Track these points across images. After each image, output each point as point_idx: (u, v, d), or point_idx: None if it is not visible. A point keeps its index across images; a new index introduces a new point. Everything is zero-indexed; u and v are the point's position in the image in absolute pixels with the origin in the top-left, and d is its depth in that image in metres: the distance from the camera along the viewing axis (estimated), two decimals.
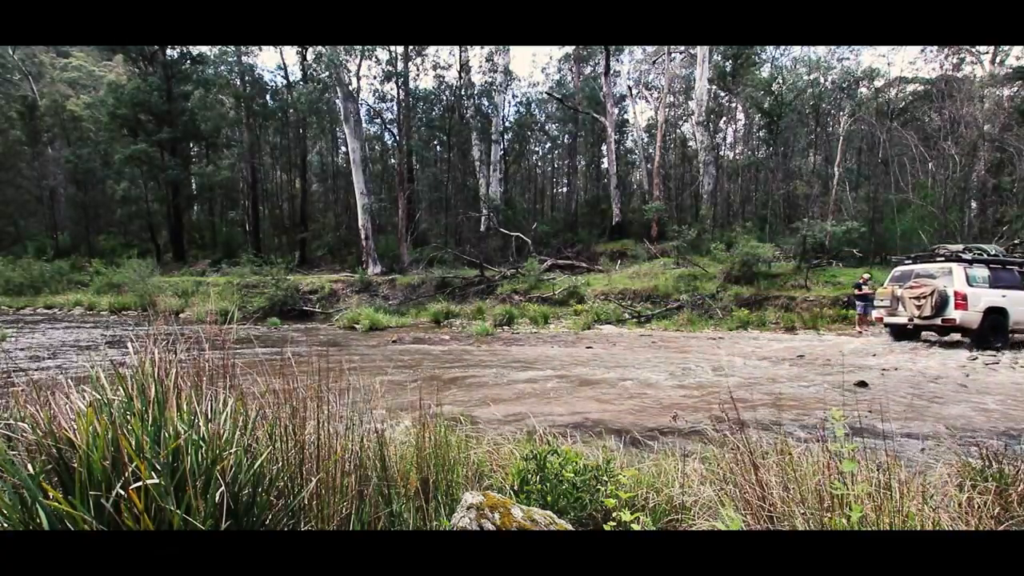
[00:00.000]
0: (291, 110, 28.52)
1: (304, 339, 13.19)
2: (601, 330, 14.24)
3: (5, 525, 1.49)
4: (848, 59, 28.01)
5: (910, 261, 10.96)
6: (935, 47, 25.06)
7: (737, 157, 30.53)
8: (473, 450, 2.86)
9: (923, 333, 10.69)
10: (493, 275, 19.73)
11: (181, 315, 17.23)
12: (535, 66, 66.20)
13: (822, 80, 23.99)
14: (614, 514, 2.15)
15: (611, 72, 25.40)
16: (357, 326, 15.40)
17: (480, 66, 27.92)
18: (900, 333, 10.72)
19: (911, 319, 10.05)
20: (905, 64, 36.93)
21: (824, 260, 17.61)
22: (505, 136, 29.38)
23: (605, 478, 2.39)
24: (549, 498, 2.32)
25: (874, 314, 11.11)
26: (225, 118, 30.81)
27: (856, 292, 13.08)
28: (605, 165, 30.58)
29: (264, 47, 29.96)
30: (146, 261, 23.57)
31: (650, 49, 31.08)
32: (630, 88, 30.54)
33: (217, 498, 1.59)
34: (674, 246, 19.37)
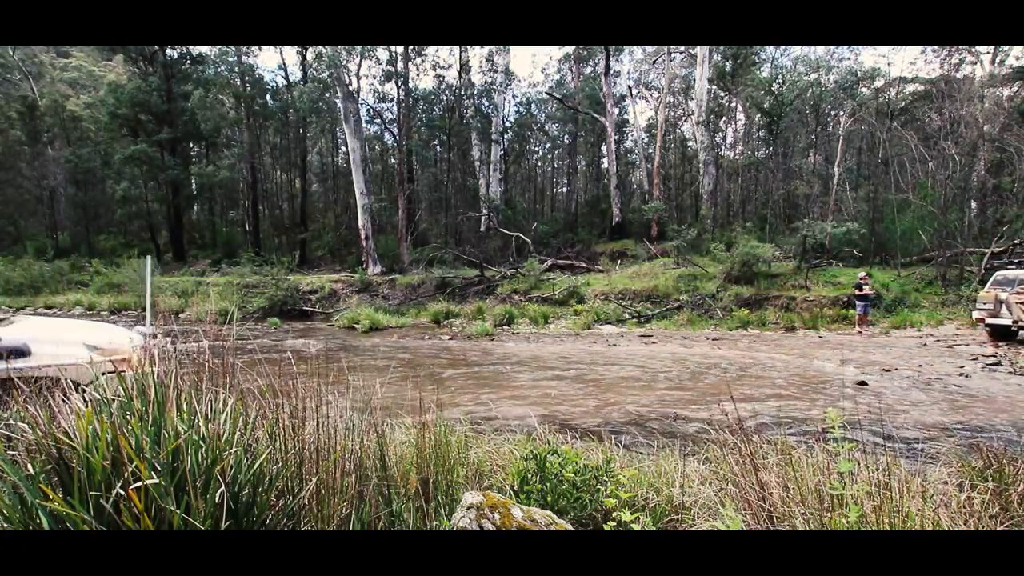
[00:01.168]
0: (291, 110, 28.49)
1: (304, 339, 13.18)
2: (601, 330, 14.24)
3: (5, 525, 1.49)
4: (848, 59, 28.01)
5: (1014, 266, 11.23)
6: (935, 47, 25.06)
7: (737, 157, 30.49)
8: (473, 450, 2.86)
9: (1021, 333, 10.97)
10: (493, 275, 19.72)
11: (181, 315, 17.24)
12: (535, 66, 66.15)
13: (823, 80, 23.95)
14: (614, 514, 2.15)
15: (611, 72, 25.38)
16: (357, 326, 15.40)
17: (480, 66, 27.91)
18: (1001, 334, 11.04)
19: (1016, 322, 10.42)
20: (905, 64, 36.94)
21: (824, 260, 17.60)
22: (505, 136, 29.36)
23: (605, 478, 2.39)
24: (549, 498, 2.32)
25: (975, 315, 11.37)
26: (225, 118, 30.77)
27: (856, 292, 13.11)
28: (605, 165, 30.57)
29: (264, 47, 29.96)
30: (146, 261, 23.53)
31: (650, 49, 31.07)
32: (630, 88, 30.53)
33: (217, 498, 1.58)
34: (674, 246, 19.36)
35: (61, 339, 4.02)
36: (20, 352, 3.66)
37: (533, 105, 33.31)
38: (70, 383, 3.35)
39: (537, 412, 5.56)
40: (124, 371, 3.69)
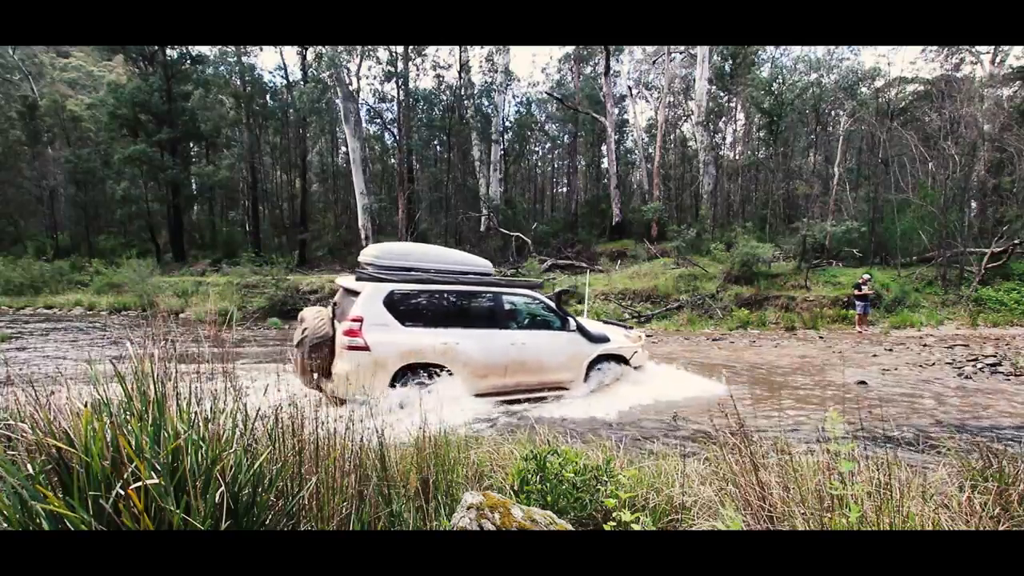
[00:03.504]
0: (291, 110, 28.48)
1: None
2: None
3: (5, 525, 1.49)
4: (848, 59, 27.99)
5: None
6: (935, 47, 25.04)
7: (737, 157, 30.47)
8: (473, 450, 2.86)
9: None
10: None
11: (181, 315, 17.23)
12: (535, 66, 66.10)
13: (823, 80, 23.93)
14: (614, 514, 2.15)
15: (611, 72, 25.36)
16: None
17: (480, 66, 27.90)
18: None
19: None
20: (905, 64, 36.88)
21: (824, 260, 17.59)
22: (505, 136, 29.34)
23: (605, 478, 2.39)
24: (549, 498, 2.31)
25: None
26: (225, 118, 30.76)
27: (856, 292, 13.10)
28: (605, 165, 30.55)
29: (264, 47, 29.95)
30: (146, 261, 23.51)
31: (650, 49, 31.02)
32: (630, 88, 30.51)
33: (217, 498, 1.58)
34: (674, 246, 19.34)
35: (614, 331, 6.72)
36: (607, 339, 6.39)
37: (533, 105, 33.28)
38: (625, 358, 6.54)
39: (537, 411, 5.57)
40: (638, 351, 6.83)
